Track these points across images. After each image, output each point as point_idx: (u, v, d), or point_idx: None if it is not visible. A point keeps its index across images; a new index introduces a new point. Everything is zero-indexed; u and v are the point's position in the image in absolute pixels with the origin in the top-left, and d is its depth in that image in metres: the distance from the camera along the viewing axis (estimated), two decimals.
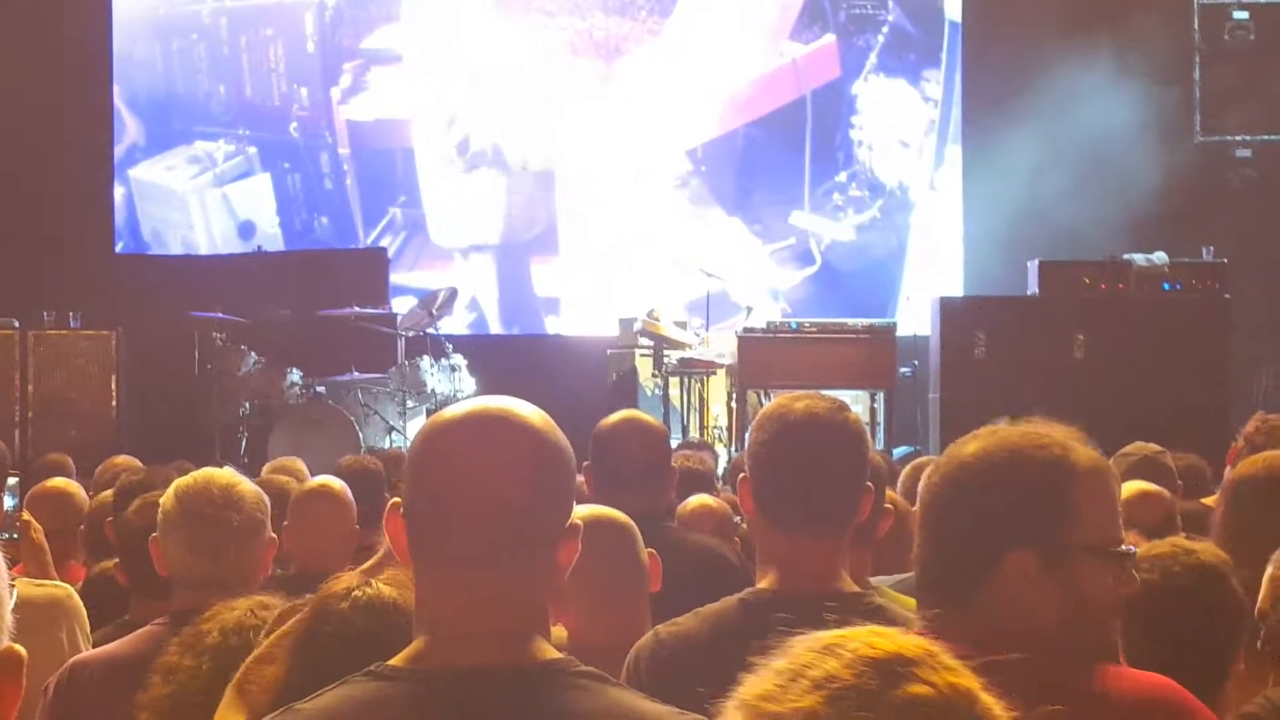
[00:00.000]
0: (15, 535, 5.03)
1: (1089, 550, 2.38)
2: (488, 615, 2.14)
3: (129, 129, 15.81)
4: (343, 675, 2.18)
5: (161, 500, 3.91)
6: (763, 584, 3.17)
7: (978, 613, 2.37)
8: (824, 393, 3.36)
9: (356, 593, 2.70)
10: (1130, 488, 4.96)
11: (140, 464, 7.10)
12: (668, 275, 15.31)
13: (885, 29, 15.77)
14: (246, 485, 3.91)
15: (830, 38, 15.76)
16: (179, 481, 3.92)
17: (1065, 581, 2.37)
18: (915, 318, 14.09)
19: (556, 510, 2.19)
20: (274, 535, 3.94)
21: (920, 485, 2.58)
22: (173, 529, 3.81)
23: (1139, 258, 12.58)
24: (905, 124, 15.81)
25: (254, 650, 2.85)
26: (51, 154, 14.73)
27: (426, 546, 2.18)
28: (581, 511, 3.37)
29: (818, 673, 1.52)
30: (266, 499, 3.95)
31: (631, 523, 3.56)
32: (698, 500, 5.47)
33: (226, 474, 3.93)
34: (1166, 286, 12.49)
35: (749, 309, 13.07)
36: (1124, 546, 2.45)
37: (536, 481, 2.16)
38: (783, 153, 15.69)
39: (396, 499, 2.22)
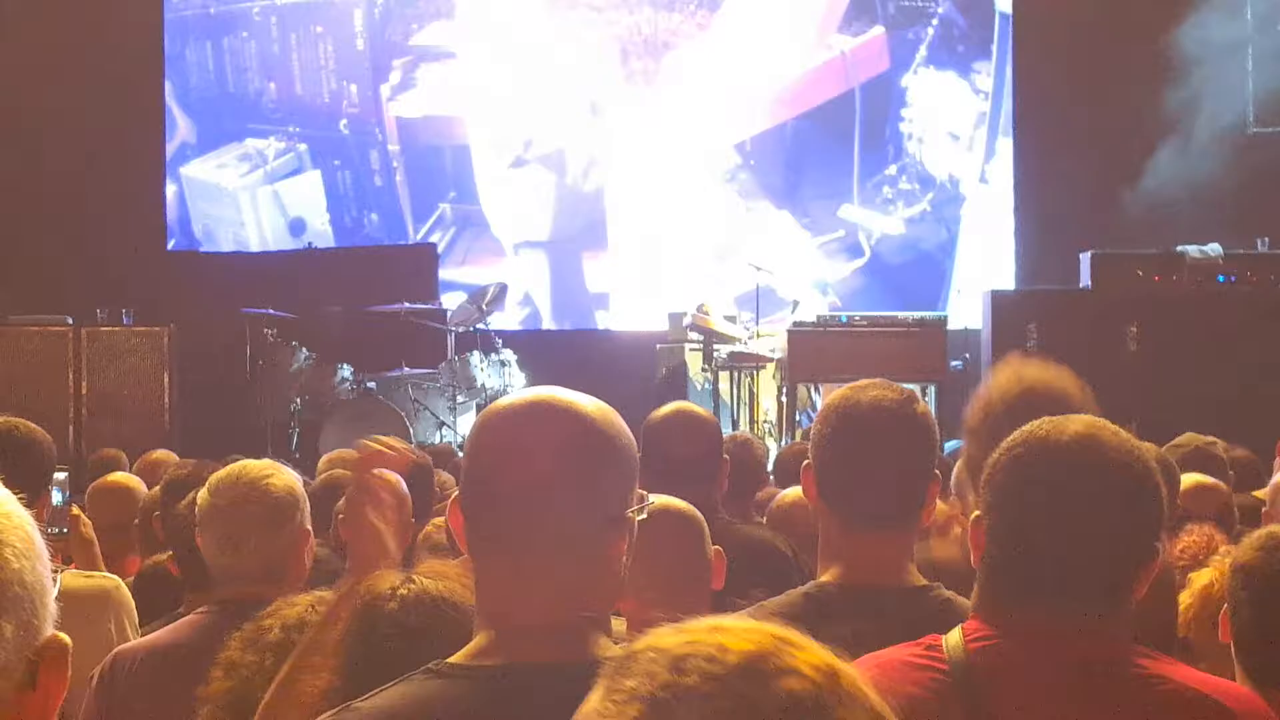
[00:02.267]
0: (65, 530, 5.05)
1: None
2: (547, 607, 2.12)
3: (180, 127, 15.89)
4: (393, 674, 2.16)
5: (198, 495, 3.91)
6: (826, 577, 3.12)
7: (1128, 614, 2.39)
8: (894, 383, 3.25)
9: (402, 590, 2.69)
10: (1188, 480, 4.92)
11: (177, 458, 7.13)
12: (717, 269, 15.29)
13: (935, 21, 15.70)
14: (279, 477, 3.84)
15: (879, 30, 15.70)
16: (215, 474, 3.91)
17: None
18: (966, 311, 14.04)
19: (611, 498, 2.16)
20: (308, 528, 3.87)
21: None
22: (204, 522, 3.82)
23: (1193, 249, 12.48)
24: (956, 116, 15.74)
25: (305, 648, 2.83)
26: (104, 152, 14.82)
27: (484, 537, 2.16)
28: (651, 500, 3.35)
29: (683, 689, 1.35)
30: (300, 491, 3.89)
31: (698, 515, 3.52)
32: (794, 493, 5.34)
33: (260, 466, 3.88)
34: (1221, 279, 12.38)
35: (796, 303, 13.03)
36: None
37: (589, 468, 2.14)
38: (832, 146, 15.64)
39: (457, 493, 2.21)
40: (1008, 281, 14.93)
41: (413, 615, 2.65)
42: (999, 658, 2.39)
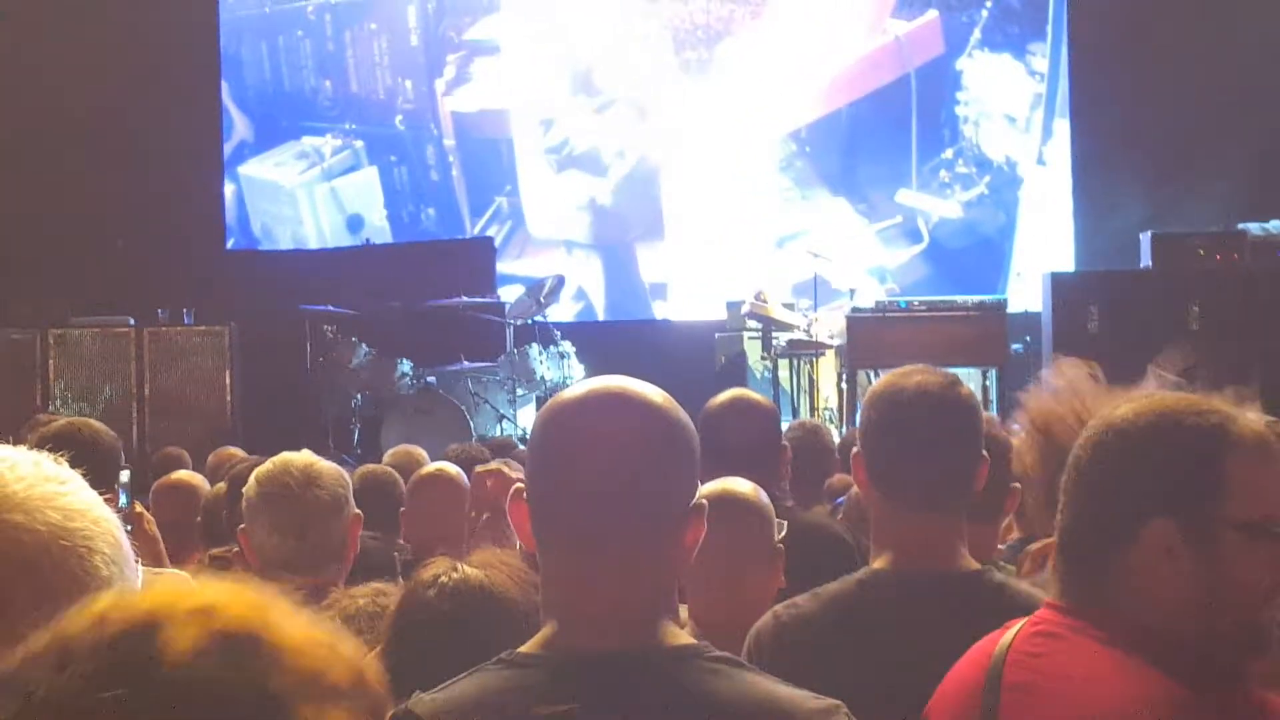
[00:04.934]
0: (130, 527, 5.09)
1: (1240, 527, 2.20)
2: (615, 597, 2.12)
3: (237, 126, 15.99)
4: (435, 662, 2.17)
5: (244, 489, 3.94)
6: (879, 564, 3.13)
7: (1115, 583, 2.27)
8: (937, 368, 3.28)
9: (444, 579, 2.69)
10: None
11: (245, 454, 7.19)
12: (774, 257, 15.27)
13: (989, 3, 15.61)
14: (324, 464, 3.92)
15: (933, 14, 15.63)
16: (258, 469, 3.95)
17: (1208, 559, 2.21)
18: (1026, 294, 13.97)
19: (680, 488, 2.16)
20: (358, 512, 3.94)
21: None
22: (256, 513, 3.84)
23: (1254, 227, 12.37)
24: (1012, 99, 15.65)
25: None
26: (162, 153, 14.91)
27: (549, 528, 2.16)
28: (712, 486, 3.36)
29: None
30: (346, 477, 3.96)
31: (764, 502, 3.53)
32: None
33: (304, 455, 3.94)
34: None
35: (853, 291, 12.99)
36: None
37: (658, 458, 2.13)
38: (888, 131, 15.58)
39: (519, 485, 2.20)
40: (1067, 263, 14.84)
41: (449, 603, 2.65)
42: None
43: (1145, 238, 12.52)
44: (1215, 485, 2.22)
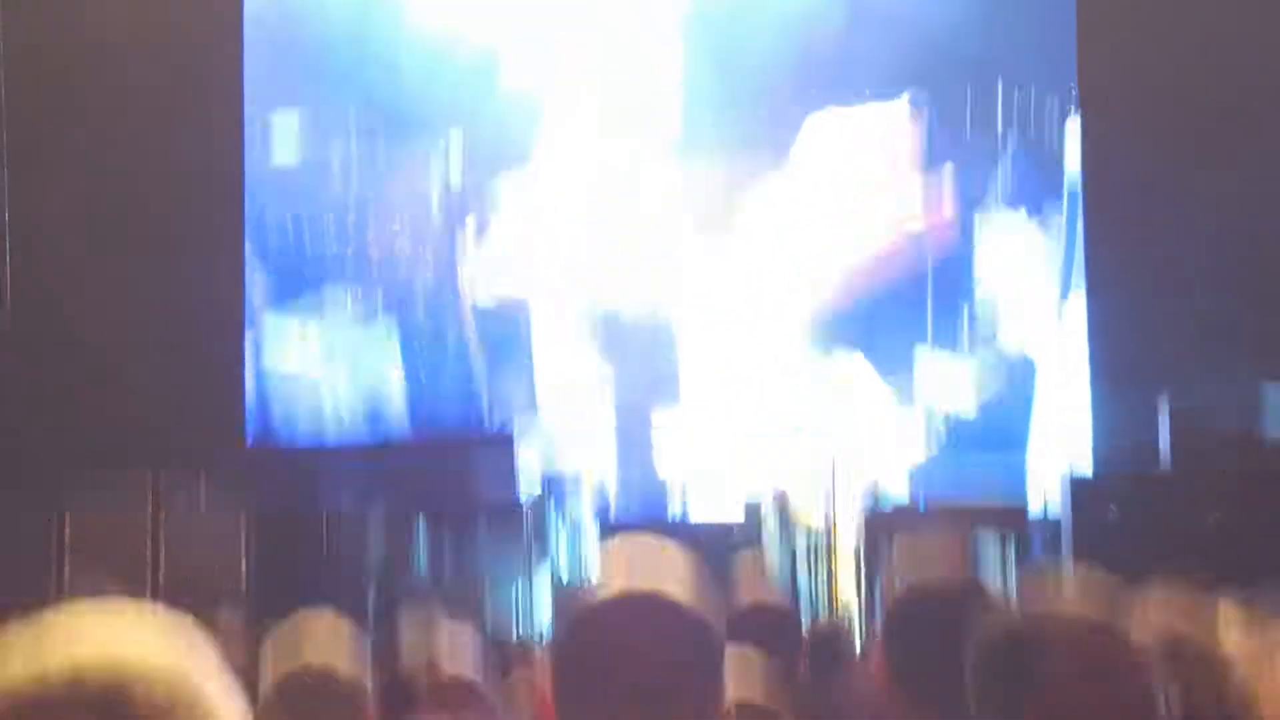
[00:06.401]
0: None
1: None
2: None
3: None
4: None
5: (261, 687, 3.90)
6: None
7: None
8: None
9: None
10: None
11: None
12: (790, 447, 15.21)
13: (1001, 186, 15.64)
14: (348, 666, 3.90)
15: (950, 208, 15.69)
16: (279, 669, 3.92)
17: None
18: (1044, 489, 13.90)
19: (711, 693, 2.14)
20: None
21: None
22: (271, 711, 3.81)
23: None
24: (1027, 286, 15.64)
25: None
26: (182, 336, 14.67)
27: None
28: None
29: None
30: (367, 685, 3.98)
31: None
32: None
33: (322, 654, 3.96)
34: None
35: (875, 486, 12.97)
36: None
37: (689, 664, 2.12)
38: (906, 329, 15.54)
39: (545, 680, 2.20)
40: (1084, 449, 14.62)
41: None
42: None
43: (1164, 432, 12.42)
44: None
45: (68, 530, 13.24)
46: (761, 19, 15.59)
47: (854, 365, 15.49)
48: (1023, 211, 15.65)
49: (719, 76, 15.81)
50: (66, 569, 13.21)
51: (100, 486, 12.94)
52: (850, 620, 12.46)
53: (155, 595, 13.02)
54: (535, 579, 13.31)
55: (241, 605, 13.09)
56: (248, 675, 4.36)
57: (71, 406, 14.33)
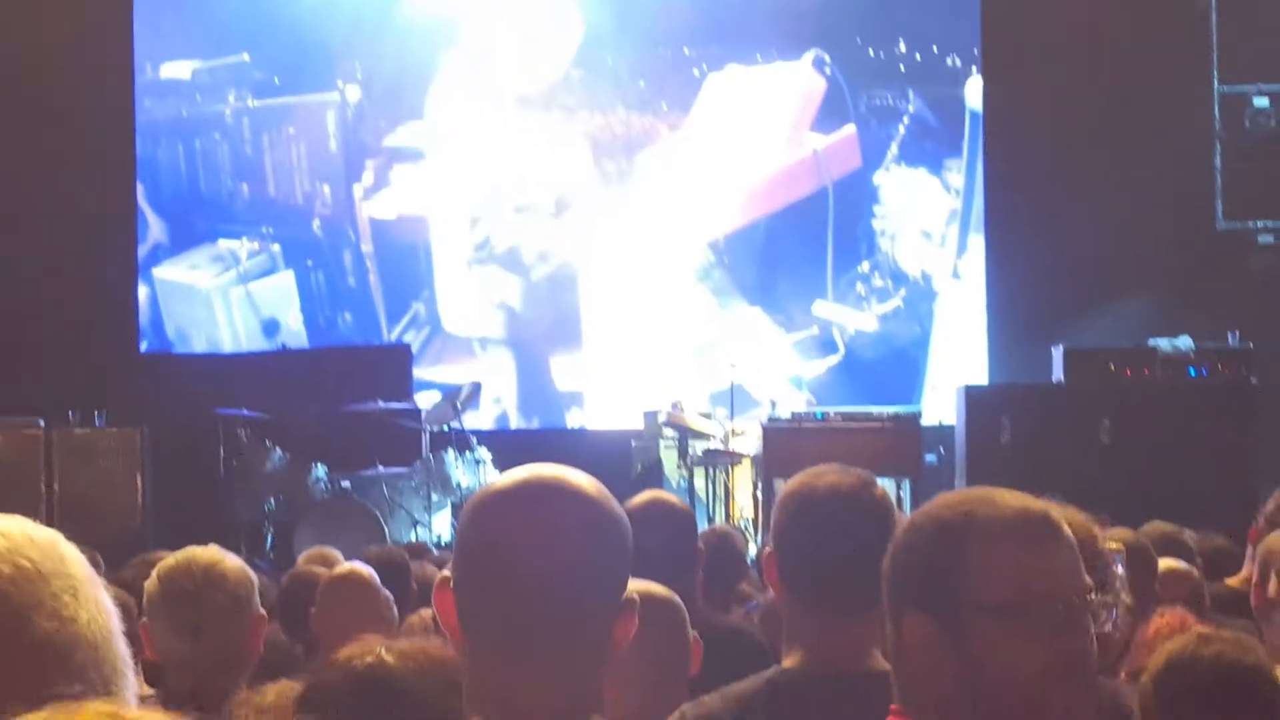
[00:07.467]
0: None
1: (989, 611, 2.14)
2: (544, 694, 2.06)
3: (152, 229, 15.91)
4: None
5: (146, 584, 3.88)
6: (789, 663, 3.10)
7: (903, 682, 2.24)
8: (851, 468, 3.27)
9: (355, 662, 2.62)
10: (1160, 565, 4.95)
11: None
12: (691, 367, 15.30)
13: (906, 119, 15.83)
14: (229, 562, 3.86)
15: (851, 128, 15.82)
16: (161, 565, 3.90)
17: (966, 648, 2.15)
18: (940, 406, 14.07)
19: (613, 581, 2.11)
20: (262, 612, 3.89)
21: None
22: (156, 611, 3.79)
23: (1164, 343, 12.54)
24: (927, 213, 15.83)
25: None
26: (75, 255, 14.82)
27: (479, 622, 2.09)
28: (631, 586, 3.32)
29: None
30: (253, 576, 3.91)
31: (677, 600, 3.50)
32: None
33: (209, 552, 3.88)
34: (1192, 372, 12.43)
35: (774, 402, 13.05)
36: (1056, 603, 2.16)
37: (593, 552, 2.08)
38: (805, 243, 15.72)
39: (446, 574, 2.14)
40: (981, 376, 14.97)
41: (349, 692, 2.57)
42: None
43: (1057, 352, 12.66)
44: (959, 573, 2.17)
45: None
46: None
47: (754, 310, 15.57)
48: (922, 170, 15.75)
49: (620, 34, 15.81)
50: None
51: None
52: (746, 527, 12.55)
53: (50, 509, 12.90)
54: (434, 488, 13.28)
55: (137, 516, 13.05)
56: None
57: None
